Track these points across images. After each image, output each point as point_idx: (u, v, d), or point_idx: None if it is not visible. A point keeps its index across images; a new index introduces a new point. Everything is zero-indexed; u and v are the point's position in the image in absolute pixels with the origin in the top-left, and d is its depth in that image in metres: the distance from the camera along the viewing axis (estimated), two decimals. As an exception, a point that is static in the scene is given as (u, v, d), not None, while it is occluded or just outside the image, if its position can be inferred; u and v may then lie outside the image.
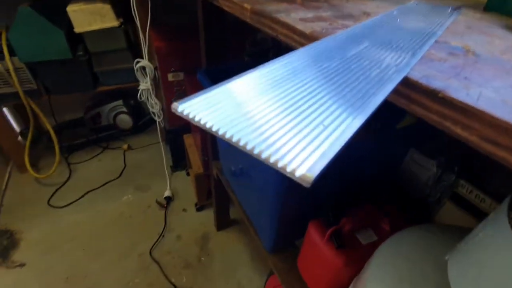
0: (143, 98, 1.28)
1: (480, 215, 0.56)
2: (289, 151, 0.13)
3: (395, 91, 0.23)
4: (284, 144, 0.13)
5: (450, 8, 0.44)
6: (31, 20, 1.07)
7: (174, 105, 0.15)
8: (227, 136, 0.13)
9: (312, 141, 0.13)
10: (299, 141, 0.13)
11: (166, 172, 1.41)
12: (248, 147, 0.13)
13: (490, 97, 0.19)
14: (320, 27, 0.31)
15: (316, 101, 0.16)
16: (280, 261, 0.73)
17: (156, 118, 1.31)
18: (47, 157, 1.49)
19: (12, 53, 1.12)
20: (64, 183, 1.39)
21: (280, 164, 0.12)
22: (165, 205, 1.30)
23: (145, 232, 1.20)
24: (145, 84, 1.23)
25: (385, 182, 0.73)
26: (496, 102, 0.19)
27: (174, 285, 1.03)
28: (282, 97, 0.17)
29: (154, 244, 1.15)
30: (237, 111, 0.15)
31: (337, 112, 0.15)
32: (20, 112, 1.49)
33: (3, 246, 1.12)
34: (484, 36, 0.33)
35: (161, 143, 1.39)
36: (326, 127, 0.14)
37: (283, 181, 0.56)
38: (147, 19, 1.06)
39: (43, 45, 1.13)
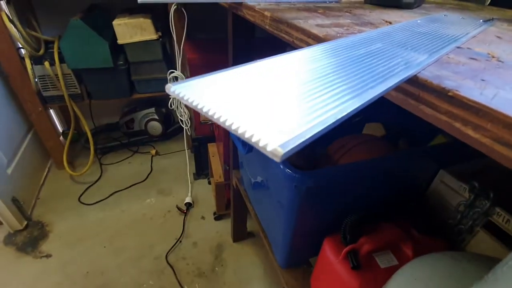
0: (173, 107, 1.35)
1: (519, 248, 0.50)
2: (266, 128, 0.12)
3: (403, 91, 0.22)
4: (262, 120, 0.13)
5: (481, 20, 0.41)
6: (80, 32, 1.18)
7: (168, 85, 0.16)
8: (210, 113, 0.14)
9: (291, 121, 0.13)
10: (278, 120, 0.13)
11: (189, 179, 1.44)
12: (227, 123, 0.13)
13: (507, 98, 0.18)
14: (335, 31, 0.31)
15: (304, 91, 0.16)
16: (292, 278, 0.70)
17: (184, 126, 1.36)
18: (83, 156, 1.60)
19: (61, 60, 1.25)
20: (95, 182, 1.48)
21: (254, 139, 0.12)
22: (185, 211, 1.32)
23: (163, 235, 1.22)
24: (176, 93, 1.29)
25: (412, 203, 0.68)
26: (513, 103, 0.17)
27: (185, 292, 1.03)
28: (272, 82, 0.17)
29: (171, 248, 1.17)
30: (225, 92, 0.15)
31: (324, 102, 0.15)
32: (63, 114, 1.63)
33: (34, 237, 1.20)
34: (516, 45, 0.31)
35: (186, 151, 1.44)
36: (310, 113, 0.14)
37: (298, 194, 0.54)
38: (183, 33, 1.13)
39: (89, 54, 1.24)
